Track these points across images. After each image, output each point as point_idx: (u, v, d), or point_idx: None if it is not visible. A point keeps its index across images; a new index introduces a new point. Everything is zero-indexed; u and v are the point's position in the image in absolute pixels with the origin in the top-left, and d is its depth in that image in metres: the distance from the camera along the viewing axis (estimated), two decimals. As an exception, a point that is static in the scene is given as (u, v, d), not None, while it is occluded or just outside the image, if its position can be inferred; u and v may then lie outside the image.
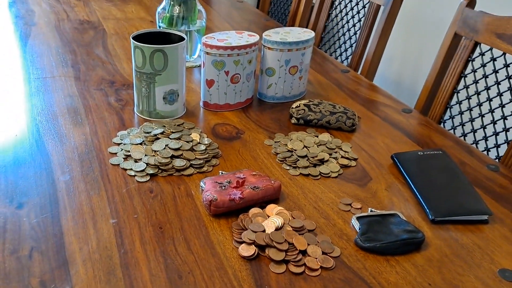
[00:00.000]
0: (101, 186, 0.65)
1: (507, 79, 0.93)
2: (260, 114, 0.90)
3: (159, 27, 1.10)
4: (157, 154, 0.70)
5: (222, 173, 0.69)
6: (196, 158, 0.71)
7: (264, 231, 0.57)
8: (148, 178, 0.67)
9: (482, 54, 0.98)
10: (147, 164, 0.69)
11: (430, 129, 0.89)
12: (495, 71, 0.96)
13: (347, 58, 1.40)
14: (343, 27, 1.40)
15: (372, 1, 1.24)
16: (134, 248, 0.54)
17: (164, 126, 0.78)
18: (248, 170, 0.68)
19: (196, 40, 1.10)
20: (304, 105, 0.88)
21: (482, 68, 0.98)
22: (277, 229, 0.58)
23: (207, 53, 0.85)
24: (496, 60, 0.95)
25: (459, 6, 1.01)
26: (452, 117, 1.02)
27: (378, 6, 1.23)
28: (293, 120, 0.87)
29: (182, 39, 0.83)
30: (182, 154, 0.71)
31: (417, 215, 0.65)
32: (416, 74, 1.68)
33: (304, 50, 0.92)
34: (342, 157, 0.77)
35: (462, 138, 1.02)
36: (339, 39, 1.43)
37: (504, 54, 0.93)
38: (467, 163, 0.79)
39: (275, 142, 0.80)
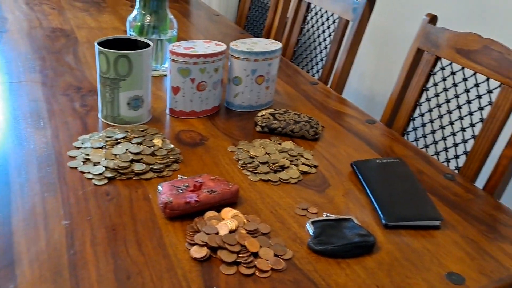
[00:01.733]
0: (57, 188, 0.64)
1: (465, 93, 0.96)
2: (226, 122, 0.91)
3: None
4: (117, 158, 0.70)
5: (181, 177, 0.70)
6: (156, 162, 0.72)
7: (217, 233, 0.57)
8: (106, 181, 0.67)
9: (442, 68, 1.01)
10: (105, 167, 0.69)
11: (392, 140, 0.91)
12: (455, 85, 0.99)
13: (318, 72, 1.43)
14: (314, 41, 1.43)
15: (341, 16, 1.27)
16: (84, 249, 0.54)
17: (127, 131, 0.78)
18: (208, 175, 0.68)
19: (167, 50, 1.11)
20: (270, 113, 0.89)
21: (442, 82, 1.01)
22: (230, 231, 0.58)
23: (173, 60, 0.86)
24: (455, 74, 0.99)
25: (421, 22, 1.05)
26: (415, 129, 1.05)
27: (347, 22, 1.27)
28: (258, 128, 0.88)
29: (148, 45, 0.84)
30: (142, 159, 0.71)
31: (372, 220, 0.66)
32: (388, 89, 1.72)
33: (271, 60, 0.94)
34: (303, 164, 0.78)
35: (424, 149, 1.05)
36: (310, 53, 1.46)
37: (462, 68, 0.97)
38: (425, 172, 0.81)
39: (238, 148, 0.81)
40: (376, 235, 0.63)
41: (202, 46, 0.89)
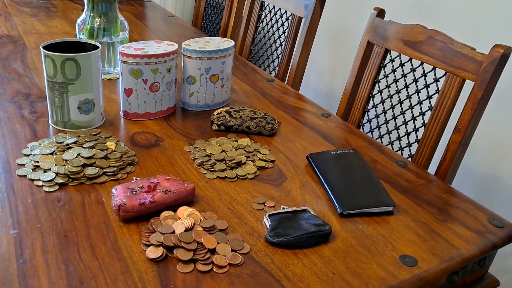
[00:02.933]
0: (4, 197, 0.62)
1: (414, 83, 1.00)
2: (182, 122, 0.90)
3: (80, 39, 1.08)
4: (68, 163, 0.68)
5: (136, 179, 0.69)
6: (110, 166, 0.70)
7: (173, 232, 0.57)
8: (56, 187, 0.65)
9: (392, 60, 1.04)
10: (56, 173, 0.67)
11: (347, 132, 0.94)
12: (404, 76, 1.02)
13: (274, 69, 1.44)
14: (269, 39, 1.44)
15: (294, 13, 1.29)
16: (34, 258, 0.52)
17: (79, 136, 0.77)
18: (163, 175, 0.67)
19: (119, 52, 1.09)
20: (225, 111, 0.90)
21: (392, 73, 1.04)
22: (186, 230, 0.58)
23: (124, 62, 0.84)
24: (404, 65, 1.02)
25: (370, 16, 1.08)
26: (369, 120, 1.08)
27: (300, 19, 1.29)
28: (214, 127, 0.88)
29: (96, 47, 0.82)
30: (95, 163, 0.70)
31: (327, 210, 0.67)
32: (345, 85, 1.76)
33: (224, 58, 0.94)
34: (259, 159, 0.78)
35: (379, 139, 1.08)
36: (266, 50, 1.47)
37: (410, 59, 1.00)
38: (378, 161, 0.83)
39: (194, 148, 0.80)
40: (332, 224, 0.64)
41: (153, 47, 0.88)
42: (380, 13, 1.08)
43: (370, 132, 1.09)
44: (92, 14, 1.05)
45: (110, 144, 0.75)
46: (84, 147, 0.73)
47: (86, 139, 0.75)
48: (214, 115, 0.89)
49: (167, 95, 0.91)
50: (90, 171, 0.68)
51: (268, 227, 0.61)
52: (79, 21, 1.07)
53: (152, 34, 1.47)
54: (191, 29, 1.57)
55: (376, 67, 1.05)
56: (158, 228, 0.57)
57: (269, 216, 0.63)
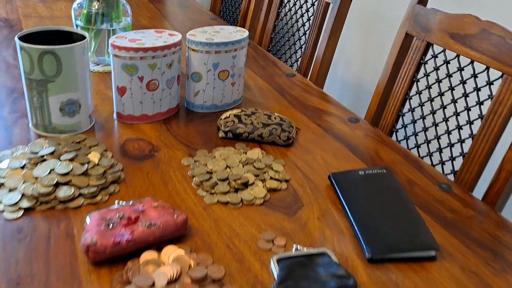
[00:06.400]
0: (-45, 226, 0.51)
1: (461, 84, 0.83)
2: (185, 127, 0.77)
3: (76, 26, 0.96)
4: (38, 182, 0.57)
5: (118, 203, 0.56)
6: (89, 185, 0.58)
7: (153, 284, 0.45)
8: (20, 213, 0.54)
9: (434, 56, 0.88)
10: (22, 194, 0.56)
11: (378, 142, 0.79)
12: (449, 75, 0.86)
13: (297, 61, 1.29)
14: (292, 26, 1.29)
15: (321, -2, 1.13)
16: (-27, 317, 0.41)
17: (59, 144, 0.65)
18: (151, 200, 0.55)
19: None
20: (235, 115, 0.76)
21: (435, 71, 0.88)
22: (170, 281, 0.45)
23: (116, 55, 0.72)
24: (449, 63, 0.86)
25: (409, 3, 0.91)
26: (404, 126, 0.93)
27: (327, 4, 1.13)
28: (221, 134, 0.75)
29: (83, 38, 0.69)
30: (70, 181, 0.58)
31: (352, 251, 0.54)
32: (377, 77, 1.60)
33: (235, 52, 0.80)
34: (271, 178, 0.65)
35: (415, 149, 0.93)
36: (288, 39, 1.32)
37: (457, 56, 0.84)
38: (416, 182, 0.68)
39: (195, 161, 0.68)
40: (358, 273, 0.51)
41: (151, 38, 0.75)
42: (422, -1, 0.91)
43: (405, 140, 0.94)
44: (89, -3, 0.93)
45: (93, 156, 0.63)
46: (61, 160, 0.61)
47: (66, 149, 0.63)
48: (221, 119, 0.76)
49: (167, 95, 0.78)
50: (63, 192, 0.56)
51: (276, 277, 0.48)
52: (75, 5, 0.95)
53: (163, 20, 1.34)
54: (207, 14, 1.43)
55: (415, 63, 0.90)
56: (134, 278, 0.45)
57: (278, 260, 0.50)
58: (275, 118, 0.77)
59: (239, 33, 0.82)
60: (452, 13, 0.84)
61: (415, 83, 0.90)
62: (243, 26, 1.48)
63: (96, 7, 0.93)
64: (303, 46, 1.22)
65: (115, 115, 0.77)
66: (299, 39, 1.26)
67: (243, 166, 0.66)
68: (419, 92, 0.91)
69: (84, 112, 0.71)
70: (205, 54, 0.78)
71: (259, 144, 0.74)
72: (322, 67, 1.13)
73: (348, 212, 0.59)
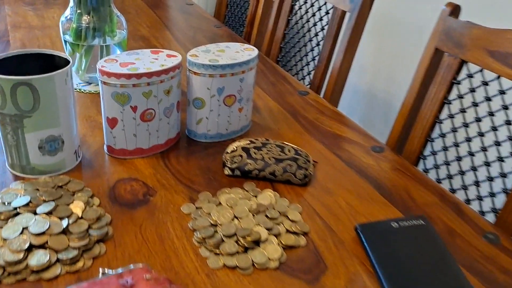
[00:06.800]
0: None
1: (503, 110, 0.73)
2: (185, 162, 0.67)
3: (65, 42, 0.86)
4: (7, 245, 0.47)
5: (103, 272, 0.46)
6: (69, 247, 0.48)
7: None
8: (-17, 289, 0.44)
9: (470, 75, 0.77)
10: (-13, 263, 0.46)
11: (408, 178, 0.68)
12: (488, 99, 0.75)
13: (309, 74, 1.19)
14: (304, 36, 1.18)
15: (337, 6, 1.03)
16: None
17: (37, 190, 0.55)
18: (144, 268, 0.45)
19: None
20: (242, 148, 0.66)
21: (470, 94, 0.78)
22: None
23: (105, 83, 0.62)
24: (488, 85, 0.75)
25: (440, 15, 0.81)
26: (434, 153, 0.82)
27: (343, 13, 1.02)
28: (227, 171, 0.65)
29: (67, 63, 0.60)
30: (47, 242, 0.48)
31: (390, 337, 0.43)
32: (390, 86, 1.49)
33: (243, 74, 0.70)
34: (287, 231, 0.55)
35: (446, 180, 0.82)
36: (300, 50, 1.21)
37: (498, 77, 0.73)
38: (458, 232, 0.58)
39: (196, 208, 0.58)
40: None
41: (146, 60, 0.65)
42: (455, 10, 0.80)
43: (435, 169, 0.84)
44: (79, 11, 0.83)
45: (76, 206, 0.53)
46: (37, 213, 0.51)
47: (44, 197, 0.53)
48: (227, 153, 0.66)
49: (165, 125, 0.68)
50: (36, 259, 0.46)
51: None
52: (63, 17, 0.85)
53: (163, 28, 1.24)
54: (210, 21, 1.33)
55: (447, 83, 0.79)
56: None
57: None
58: (289, 150, 0.67)
59: (247, 52, 0.72)
60: (492, 28, 0.73)
61: (446, 105, 0.80)
62: (250, 33, 1.38)
63: (87, 21, 0.83)
64: (316, 58, 1.11)
65: (105, 149, 0.68)
66: (312, 50, 1.16)
67: (253, 215, 0.56)
68: (451, 116, 0.80)
69: (68, 149, 0.61)
70: (208, 78, 0.68)
71: (270, 182, 0.64)
72: (338, 82, 1.03)
73: (381, 278, 0.48)
